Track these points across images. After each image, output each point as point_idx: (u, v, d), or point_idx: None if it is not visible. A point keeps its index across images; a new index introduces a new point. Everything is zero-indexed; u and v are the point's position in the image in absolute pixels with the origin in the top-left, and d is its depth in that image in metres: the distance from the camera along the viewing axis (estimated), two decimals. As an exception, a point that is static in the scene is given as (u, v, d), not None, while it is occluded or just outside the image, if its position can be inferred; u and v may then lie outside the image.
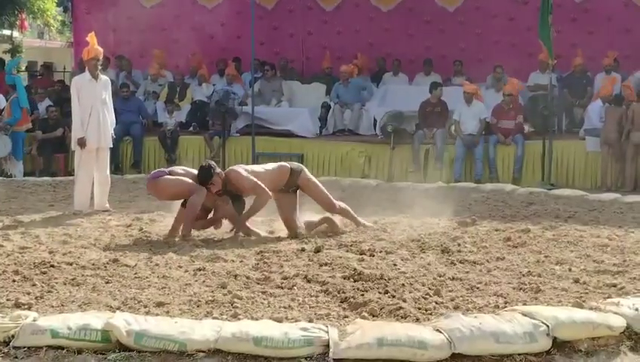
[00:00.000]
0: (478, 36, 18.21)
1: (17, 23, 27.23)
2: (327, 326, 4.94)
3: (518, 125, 15.49)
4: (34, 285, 6.27)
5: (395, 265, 7.13)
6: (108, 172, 11.13)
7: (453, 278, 6.65)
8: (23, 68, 27.07)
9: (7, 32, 28.13)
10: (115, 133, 11.46)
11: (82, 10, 20.62)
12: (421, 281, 6.47)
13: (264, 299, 5.90)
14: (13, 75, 17.04)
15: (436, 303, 5.81)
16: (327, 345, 4.74)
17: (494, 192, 12.27)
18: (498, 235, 8.76)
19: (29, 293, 5.98)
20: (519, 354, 4.88)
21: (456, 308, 5.69)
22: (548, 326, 4.97)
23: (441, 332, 4.87)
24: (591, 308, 5.40)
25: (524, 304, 5.71)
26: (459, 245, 8.08)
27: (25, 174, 15.50)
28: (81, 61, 19.21)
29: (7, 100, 16.28)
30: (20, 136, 16.11)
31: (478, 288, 6.32)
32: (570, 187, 13.73)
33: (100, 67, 11.08)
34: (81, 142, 10.77)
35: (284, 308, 5.66)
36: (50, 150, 16.55)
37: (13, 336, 4.79)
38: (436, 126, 15.60)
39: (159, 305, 5.70)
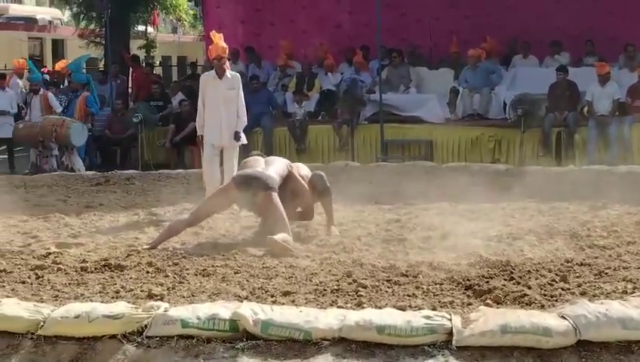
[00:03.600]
0: (610, 14, 17.69)
1: (150, 19, 28.00)
2: (450, 314, 4.94)
3: (655, 105, 15.08)
4: (166, 276, 6.46)
5: (521, 251, 7.07)
6: (235, 169, 10.42)
7: (582, 264, 6.56)
8: (158, 63, 27.85)
9: (141, 28, 28.92)
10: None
11: (212, 3, 21.05)
12: (548, 267, 6.41)
13: (388, 288, 5.94)
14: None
15: (562, 289, 5.75)
16: (451, 333, 4.75)
17: (629, 175, 11.92)
18: (630, 219, 8.57)
19: (161, 284, 6.17)
20: (647, 341, 4.78)
21: (582, 294, 5.61)
22: (679, 312, 4.86)
23: (566, 318, 4.81)
24: None
25: (655, 289, 5.59)
26: (588, 229, 7.97)
27: (160, 166, 15.68)
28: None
29: (78, 96, 16.73)
30: None
31: (606, 273, 6.22)
32: None
33: (225, 65, 10.77)
34: (199, 141, 10.83)
35: (408, 296, 5.69)
36: (183, 143, 16.95)
37: (146, 326, 4.97)
38: (567, 108, 15.32)
39: (286, 294, 5.81)
